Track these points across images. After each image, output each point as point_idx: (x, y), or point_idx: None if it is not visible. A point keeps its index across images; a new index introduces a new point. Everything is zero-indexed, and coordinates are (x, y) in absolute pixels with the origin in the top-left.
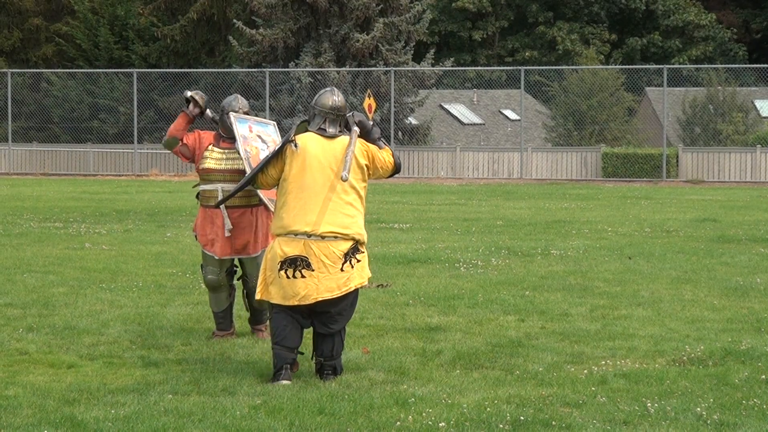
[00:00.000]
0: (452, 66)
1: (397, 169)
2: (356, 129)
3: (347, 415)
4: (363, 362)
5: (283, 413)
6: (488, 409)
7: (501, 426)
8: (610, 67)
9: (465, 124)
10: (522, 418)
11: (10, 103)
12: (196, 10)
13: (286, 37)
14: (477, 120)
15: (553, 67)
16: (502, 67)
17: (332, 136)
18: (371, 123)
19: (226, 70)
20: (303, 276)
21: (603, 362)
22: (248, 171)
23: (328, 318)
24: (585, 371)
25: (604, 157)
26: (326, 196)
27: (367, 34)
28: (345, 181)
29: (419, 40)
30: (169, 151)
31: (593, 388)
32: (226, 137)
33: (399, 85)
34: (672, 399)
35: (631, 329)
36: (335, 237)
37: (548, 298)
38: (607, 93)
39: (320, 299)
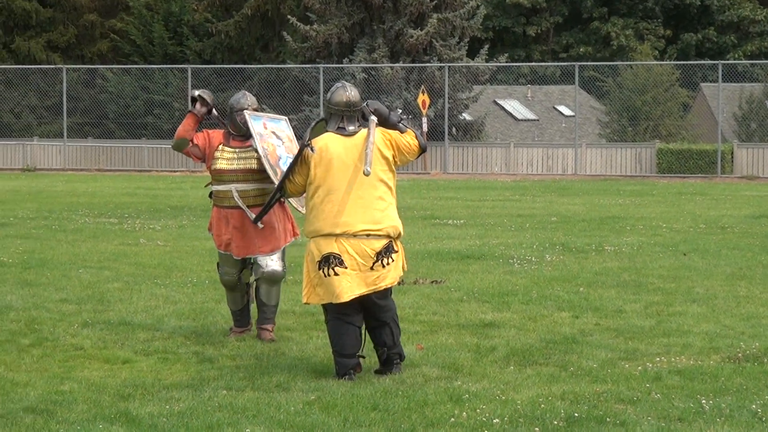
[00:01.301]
0: (506, 62)
1: (422, 150)
2: (374, 118)
3: (401, 411)
4: (417, 358)
5: (337, 409)
6: (542, 405)
7: (555, 422)
8: (664, 62)
9: (519, 120)
10: (576, 414)
11: (65, 99)
12: (251, 6)
13: (340, 33)
14: (531, 116)
15: (608, 63)
16: (556, 63)
17: (352, 134)
18: (387, 108)
19: (280, 65)
20: (336, 274)
21: (657, 359)
22: (267, 168)
23: (376, 309)
24: (639, 368)
25: (659, 153)
26: (355, 195)
27: (421, 30)
28: (368, 176)
29: (473, 35)
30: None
31: (648, 385)
32: (236, 135)
33: (453, 80)
34: (727, 396)
35: (686, 326)
36: (368, 235)
37: (602, 294)
38: (662, 89)
39: (354, 296)
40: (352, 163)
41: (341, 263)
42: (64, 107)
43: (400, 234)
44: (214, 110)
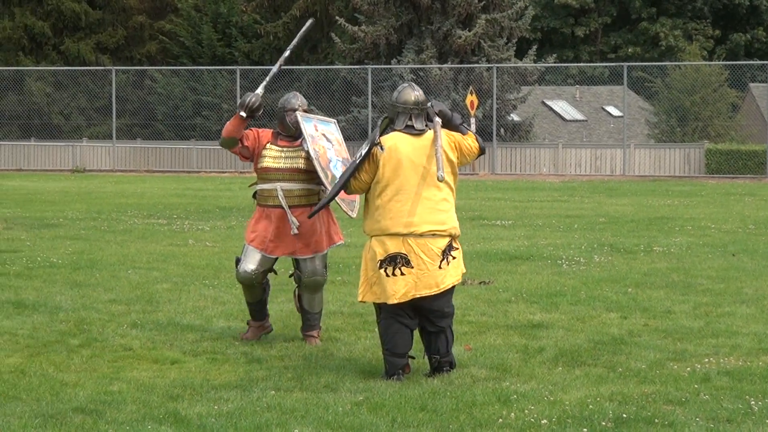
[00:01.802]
0: (555, 62)
1: (482, 152)
2: (438, 120)
3: (449, 412)
4: (465, 359)
5: (385, 410)
6: (590, 406)
7: (603, 423)
8: (713, 63)
9: (567, 121)
10: (624, 415)
11: (114, 101)
12: (299, 7)
13: (389, 34)
14: (579, 116)
15: (656, 63)
16: (604, 64)
17: (420, 132)
18: (450, 110)
19: (328, 66)
20: (402, 273)
21: (706, 360)
22: (318, 170)
23: (435, 315)
24: (688, 369)
25: (708, 153)
26: (422, 195)
27: (470, 31)
28: (441, 181)
29: (521, 36)
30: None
31: (696, 386)
32: (285, 135)
33: (501, 81)
34: None
35: (735, 327)
36: (433, 234)
37: (651, 295)
38: (711, 89)
39: (418, 296)
40: (420, 163)
41: (407, 263)
42: (113, 108)
43: (458, 235)
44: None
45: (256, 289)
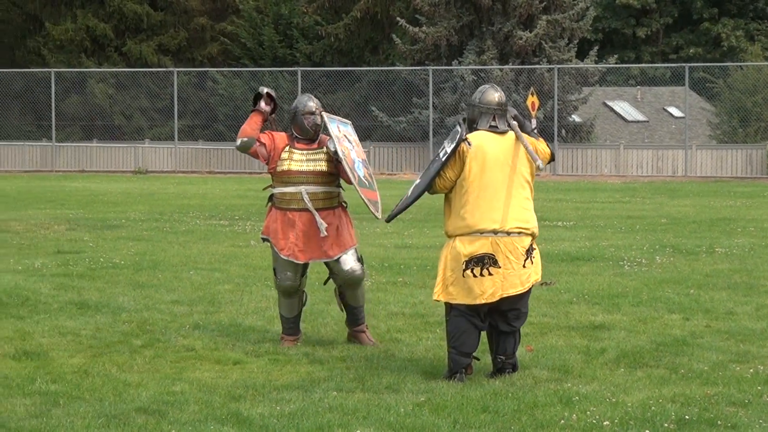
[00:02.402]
0: (616, 63)
1: (552, 157)
2: (515, 123)
3: (511, 413)
4: (527, 360)
5: (447, 410)
6: (653, 407)
7: (666, 425)
8: None
9: (629, 122)
10: (687, 417)
11: (176, 102)
12: (360, 8)
13: (449, 35)
14: (641, 117)
15: (718, 64)
16: (666, 64)
17: (503, 132)
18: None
19: (389, 68)
20: (490, 273)
21: None
22: (348, 171)
23: (513, 315)
24: (751, 370)
25: None
26: (508, 193)
27: (531, 32)
28: (540, 169)
29: (583, 37)
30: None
31: (759, 388)
32: (302, 138)
33: (562, 82)
34: None
35: None
36: (519, 233)
37: (713, 296)
38: None
39: (505, 296)
40: (506, 162)
41: (495, 263)
42: (175, 110)
43: (537, 235)
44: (274, 113)
45: (294, 300)
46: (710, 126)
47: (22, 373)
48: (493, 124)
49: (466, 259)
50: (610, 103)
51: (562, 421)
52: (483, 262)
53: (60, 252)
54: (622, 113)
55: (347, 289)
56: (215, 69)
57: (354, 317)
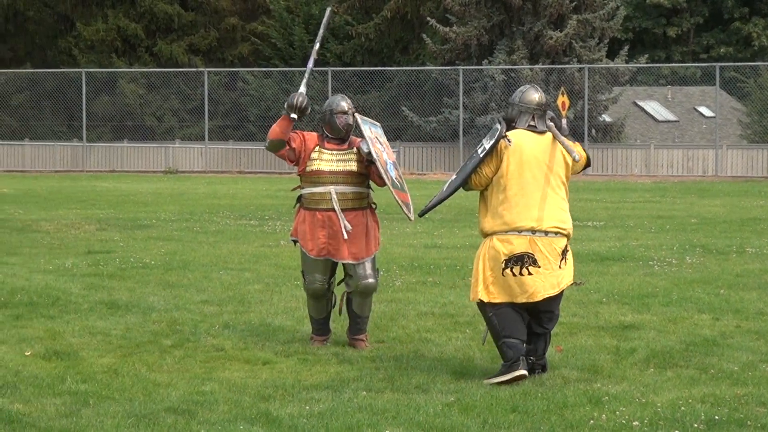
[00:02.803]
0: (646, 63)
1: (588, 162)
2: (551, 124)
3: (540, 413)
4: (556, 360)
5: (476, 411)
6: (682, 408)
7: (695, 425)
8: None
9: (659, 122)
10: (717, 417)
11: (206, 102)
12: (390, 8)
13: (480, 35)
14: (671, 117)
15: (749, 64)
16: (696, 64)
17: (542, 132)
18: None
19: (419, 68)
20: (530, 273)
21: None
22: (382, 173)
23: (546, 318)
24: None
25: None
26: (545, 192)
27: (561, 32)
28: (577, 162)
29: (613, 36)
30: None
31: None
32: (332, 138)
33: (593, 82)
34: None
35: None
36: (556, 233)
37: (743, 296)
38: None
39: (546, 296)
40: (544, 161)
41: (535, 262)
42: (206, 110)
43: (571, 237)
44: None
45: (322, 302)
46: (741, 126)
47: (52, 373)
48: (532, 123)
49: (506, 258)
50: (640, 103)
51: (592, 422)
52: (523, 261)
53: (90, 252)
54: (652, 113)
55: (358, 296)
56: (246, 69)
57: (358, 326)
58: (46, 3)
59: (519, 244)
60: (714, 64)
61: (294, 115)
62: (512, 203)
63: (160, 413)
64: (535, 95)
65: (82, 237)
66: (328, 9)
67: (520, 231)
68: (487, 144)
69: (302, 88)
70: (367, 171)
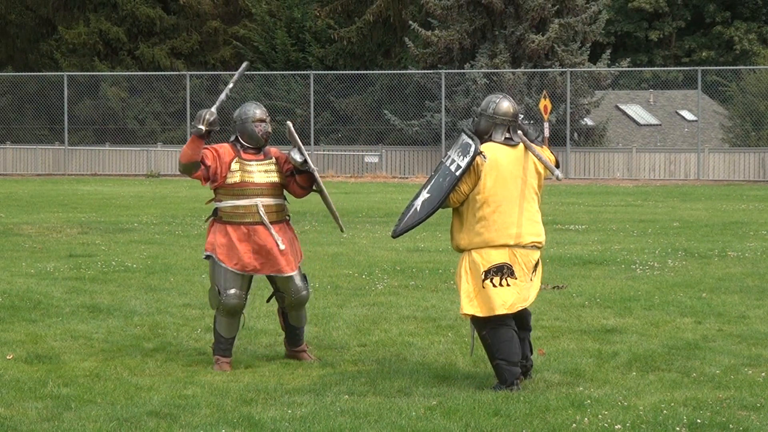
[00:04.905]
0: (628, 66)
1: (557, 164)
2: (520, 132)
3: (523, 417)
4: (539, 364)
5: (459, 414)
6: (664, 411)
7: (677, 429)
8: None
9: (641, 125)
10: (699, 421)
11: (188, 105)
12: (372, 12)
13: (462, 39)
14: (653, 121)
15: (731, 67)
16: (678, 68)
17: (516, 144)
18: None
19: (401, 71)
20: (508, 284)
21: None
22: (320, 182)
23: (527, 318)
24: (763, 374)
25: None
26: (522, 207)
27: (543, 35)
28: (560, 180)
29: (595, 40)
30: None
31: None
32: (249, 147)
33: (575, 86)
34: None
35: None
36: (533, 246)
37: (725, 300)
38: None
39: (522, 307)
40: (518, 175)
41: (512, 274)
42: (188, 113)
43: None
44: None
45: (237, 319)
46: (723, 129)
47: (34, 377)
48: (507, 136)
49: (485, 269)
50: (622, 107)
51: (574, 425)
52: (502, 272)
53: (72, 255)
54: (634, 117)
55: (292, 309)
56: (228, 72)
57: (296, 338)
58: (27, 6)
59: (499, 255)
60: (696, 67)
61: (202, 126)
62: (490, 221)
63: (142, 417)
64: (510, 106)
65: (64, 240)
66: (245, 63)
67: (501, 246)
68: (460, 161)
69: (214, 108)
70: (286, 182)
